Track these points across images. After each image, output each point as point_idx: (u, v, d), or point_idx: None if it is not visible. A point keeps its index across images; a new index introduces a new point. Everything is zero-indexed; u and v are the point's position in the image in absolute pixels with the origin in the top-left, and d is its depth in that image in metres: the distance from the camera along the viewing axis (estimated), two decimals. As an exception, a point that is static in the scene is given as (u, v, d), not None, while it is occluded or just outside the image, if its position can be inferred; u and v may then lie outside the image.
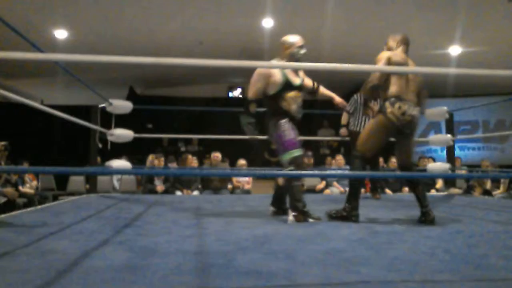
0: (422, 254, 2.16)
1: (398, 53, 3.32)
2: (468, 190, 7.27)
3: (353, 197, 3.30)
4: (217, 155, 7.35)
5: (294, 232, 2.80)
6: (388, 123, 3.21)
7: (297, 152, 3.30)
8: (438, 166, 5.98)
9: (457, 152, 8.76)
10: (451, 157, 6.22)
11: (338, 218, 3.28)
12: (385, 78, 3.26)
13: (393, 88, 3.23)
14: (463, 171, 7.60)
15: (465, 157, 10.94)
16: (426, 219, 3.21)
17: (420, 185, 3.31)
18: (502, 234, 2.82)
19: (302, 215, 3.24)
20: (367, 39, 8.30)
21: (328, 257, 2.07)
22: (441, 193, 6.70)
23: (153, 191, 6.76)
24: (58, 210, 3.82)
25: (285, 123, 3.36)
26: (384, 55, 3.30)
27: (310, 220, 3.26)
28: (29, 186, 6.90)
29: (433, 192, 7.08)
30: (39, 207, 4.21)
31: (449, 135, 5.85)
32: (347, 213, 3.26)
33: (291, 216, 3.24)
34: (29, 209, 4.03)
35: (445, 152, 6.67)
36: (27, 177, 6.97)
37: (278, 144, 3.38)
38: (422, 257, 2.11)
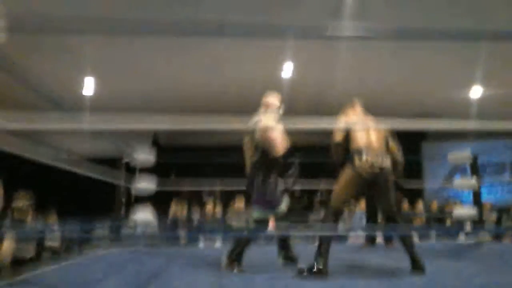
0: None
1: (350, 115, 3.64)
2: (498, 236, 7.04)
3: (320, 252, 3.22)
4: (239, 205, 7.34)
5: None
6: (357, 176, 3.26)
7: None
8: (465, 211, 5.84)
9: (487, 196, 8.56)
10: (477, 201, 6.09)
11: (308, 274, 3.19)
12: (346, 134, 3.45)
13: (358, 141, 3.35)
14: (493, 216, 7.38)
15: (495, 199, 10.63)
16: (414, 267, 3.21)
17: (408, 236, 3.36)
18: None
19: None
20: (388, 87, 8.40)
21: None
22: (469, 241, 6.50)
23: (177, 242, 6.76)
24: (80, 267, 3.85)
25: None
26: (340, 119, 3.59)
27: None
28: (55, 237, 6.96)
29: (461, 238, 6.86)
30: (63, 264, 4.24)
31: (473, 178, 5.74)
32: (317, 269, 3.17)
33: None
34: (52, 267, 4.06)
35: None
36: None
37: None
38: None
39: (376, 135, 3.43)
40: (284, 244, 3.73)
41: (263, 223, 3.57)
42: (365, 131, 3.41)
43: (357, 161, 3.26)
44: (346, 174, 3.33)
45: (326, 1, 6.32)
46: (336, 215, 3.33)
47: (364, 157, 3.25)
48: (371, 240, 5.88)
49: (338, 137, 3.46)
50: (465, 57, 7.32)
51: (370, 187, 3.37)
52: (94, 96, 8.88)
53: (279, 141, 3.66)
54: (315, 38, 6.71)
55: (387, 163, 3.35)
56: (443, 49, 7.20)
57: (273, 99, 3.88)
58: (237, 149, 3.97)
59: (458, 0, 6.19)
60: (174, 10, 6.53)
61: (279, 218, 3.64)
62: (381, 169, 3.29)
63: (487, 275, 3.24)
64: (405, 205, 7.52)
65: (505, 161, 11.73)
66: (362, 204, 6.80)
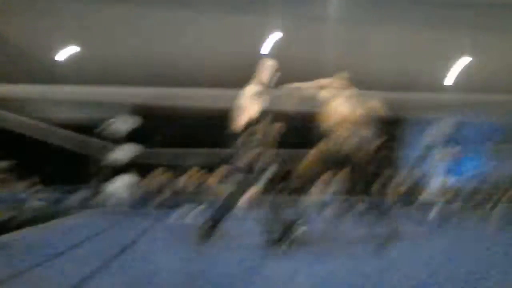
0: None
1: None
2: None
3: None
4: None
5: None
6: (327, 152, 3.35)
7: None
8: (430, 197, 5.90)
9: (468, 166, 8.77)
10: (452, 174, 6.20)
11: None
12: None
13: (330, 119, 3.41)
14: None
15: (477, 170, 10.80)
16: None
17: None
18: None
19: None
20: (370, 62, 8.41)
21: None
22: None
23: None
24: (60, 230, 3.87)
25: None
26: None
27: None
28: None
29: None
30: (41, 226, 4.26)
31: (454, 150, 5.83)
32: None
33: None
34: (32, 228, 4.08)
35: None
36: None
37: None
38: None
39: (353, 110, 3.42)
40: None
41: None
42: (341, 105, 3.38)
43: (329, 140, 3.31)
44: (317, 149, 3.39)
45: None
46: (302, 184, 3.39)
47: (336, 137, 3.30)
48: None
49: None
50: (451, 28, 7.30)
51: (342, 162, 3.41)
52: (71, 63, 8.73)
53: None
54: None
55: (353, 145, 3.36)
56: (429, 21, 7.18)
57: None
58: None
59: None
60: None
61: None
62: (350, 151, 3.33)
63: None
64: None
65: (485, 133, 11.86)
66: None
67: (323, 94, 3.49)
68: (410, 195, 7.28)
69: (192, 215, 6.36)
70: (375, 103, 3.52)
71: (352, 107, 3.43)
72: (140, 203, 7.48)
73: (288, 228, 3.28)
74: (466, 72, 9.04)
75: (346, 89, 3.55)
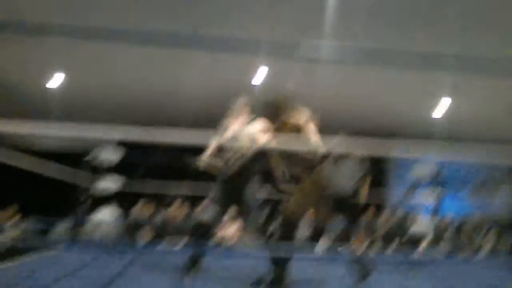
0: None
1: None
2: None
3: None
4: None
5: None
6: (318, 187, 3.33)
7: None
8: (421, 228, 5.98)
9: (448, 207, 8.84)
10: (435, 213, 6.27)
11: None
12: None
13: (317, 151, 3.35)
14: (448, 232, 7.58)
15: (458, 212, 10.91)
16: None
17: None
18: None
19: None
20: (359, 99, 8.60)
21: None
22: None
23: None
24: (34, 266, 3.77)
25: None
26: None
27: None
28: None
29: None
30: (18, 262, 4.14)
31: (434, 191, 5.90)
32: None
33: None
34: (4, 265, 3.95)
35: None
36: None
37: None
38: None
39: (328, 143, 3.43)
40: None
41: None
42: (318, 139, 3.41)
43: (318, 174, 3.31)
44: (305, 185, 3.35)
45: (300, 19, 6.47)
46: (294, 224, 3.37)
47: (325, 170, 3.32)
48: None
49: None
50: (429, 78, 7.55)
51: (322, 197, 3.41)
52: (61, 92, 8.73)
53: None
54: (286, 55, 6.84)
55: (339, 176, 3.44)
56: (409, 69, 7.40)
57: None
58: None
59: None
60: (154, 20, 6.57)
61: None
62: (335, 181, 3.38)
63: None
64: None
65: (467, 175, 12.07)
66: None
67: (304, 130, 3.44)
68: (397, 232, 7.29)
69: (176, 247, 6.28)
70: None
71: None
72: (125, 234, 7.35)
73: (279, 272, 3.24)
74: (448, 113, 9.24)
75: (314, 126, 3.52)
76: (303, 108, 3.51)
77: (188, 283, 3.25)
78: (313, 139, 3.31)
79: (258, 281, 3.31)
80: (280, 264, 3.24)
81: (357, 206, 4.88)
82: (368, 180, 5.13)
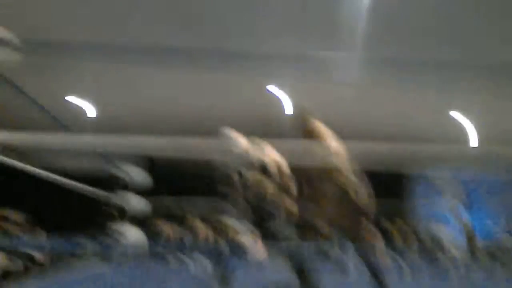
0: None
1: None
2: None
3: None
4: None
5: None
6: (349, 202, 3.31)
7: None
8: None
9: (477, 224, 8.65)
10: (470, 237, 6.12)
11: None
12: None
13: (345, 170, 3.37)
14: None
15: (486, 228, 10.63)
16: None
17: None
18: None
19: None
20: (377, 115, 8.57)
21: None
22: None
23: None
24: (72, 282, 3.84)
25: None
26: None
27: None
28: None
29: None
30: (48, 279, 4.22)
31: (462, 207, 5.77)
32: None
33: None
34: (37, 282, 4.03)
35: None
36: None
37: None
38: None
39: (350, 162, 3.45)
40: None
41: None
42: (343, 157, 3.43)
43: (351, 190, 3.33)
44: (337, 203, 3.37)
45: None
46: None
47: (357, 187, 3.34)
48: None
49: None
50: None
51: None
52: (94, 119, 8.93)
53: None
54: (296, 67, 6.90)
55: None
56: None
57: None
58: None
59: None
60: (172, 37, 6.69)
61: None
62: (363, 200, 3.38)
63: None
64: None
65: (495, 191, 11.77)
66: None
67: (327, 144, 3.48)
68: (428, 250, 7.16)
69: (204, 265, 6.30)
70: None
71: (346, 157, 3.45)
72: (153, 253, 7.42)
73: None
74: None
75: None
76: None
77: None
78: (333, 146, 3.37)
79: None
80: (305, 274, 3.24)
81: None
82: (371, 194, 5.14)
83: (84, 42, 6.37)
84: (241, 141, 3.70)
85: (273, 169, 3.52)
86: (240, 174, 3.65)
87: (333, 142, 3.43)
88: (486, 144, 8.89)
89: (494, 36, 6.53)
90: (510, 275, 6.48)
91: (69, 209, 10.87)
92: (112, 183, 5.63)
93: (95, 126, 8.74)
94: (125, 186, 5.38)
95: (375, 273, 3.40)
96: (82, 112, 8.86)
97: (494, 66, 6.35)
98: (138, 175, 5.38)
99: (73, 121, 8.95)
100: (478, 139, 9.13)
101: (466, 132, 9.27)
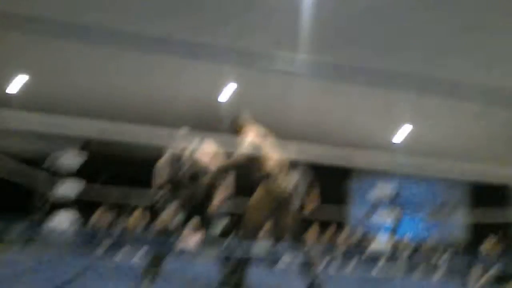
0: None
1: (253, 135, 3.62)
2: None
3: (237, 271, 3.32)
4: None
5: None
6: (271, 197, 3.36)
7: None
8: (379, 246, 6.12)
9: (405, 228, 9.03)
10: (393, 234, 6.42)
11: None
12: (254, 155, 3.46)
13: (270, 163, 3.42)
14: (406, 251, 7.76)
15: (414, 233, 11.18)
16: None
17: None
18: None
19: None
20: (325, 119, 8.78)
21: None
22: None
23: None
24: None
25: None
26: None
27: None
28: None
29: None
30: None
31: (393, 212, 6.06)
32: None
33: None
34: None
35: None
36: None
37: None
38: None
39: (281, 156, 3.52)
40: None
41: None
42: (273, 152, 3.49)
43: (271, 184, 3.35)
44: (260, 195, 3.38)
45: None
46: (252, 234, 3.39)
47: (279, 180, 3.35)
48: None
49: (240, 158, 3.46)
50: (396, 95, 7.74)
51: (278, 208, 3.46)
52: (23, 95, 8.49)
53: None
54: (257, 66, 6.91)
55: (293, 186, 3.46)
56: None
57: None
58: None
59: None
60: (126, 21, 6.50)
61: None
62: (290, 192, 3.42)
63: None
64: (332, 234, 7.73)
65: (423, 198, 12.43)
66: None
67: (254, 140, 3.57)
68: (358, 247, 7.40)
69: (136, 255, 6.16)
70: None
71: (280, 153, 3.54)
72: (83, 240, 7.16)
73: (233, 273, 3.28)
74: (409, 137, 9.49)
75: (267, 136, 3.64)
76: (260, 127, 3.69)
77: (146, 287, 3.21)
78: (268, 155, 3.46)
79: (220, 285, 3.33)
80: (238, 270, 3.25)
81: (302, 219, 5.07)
82: (314, 191, 5.26)
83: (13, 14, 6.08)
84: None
85: (211, 162, 3.53)
86: (178, 165, 3.68)
87: (259, 140, 3.53)
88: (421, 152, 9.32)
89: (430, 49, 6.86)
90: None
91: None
92: (43, 165, 5.35)
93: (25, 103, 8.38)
94: (57, 169, 5.14)
95: (305, 264, 3.49)
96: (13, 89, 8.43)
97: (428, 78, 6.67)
98: (71, 158, 5.16)
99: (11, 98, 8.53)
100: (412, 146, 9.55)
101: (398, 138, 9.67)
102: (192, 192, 3.64)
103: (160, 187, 3.75)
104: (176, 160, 3.70)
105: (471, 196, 12.26)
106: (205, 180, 3.59)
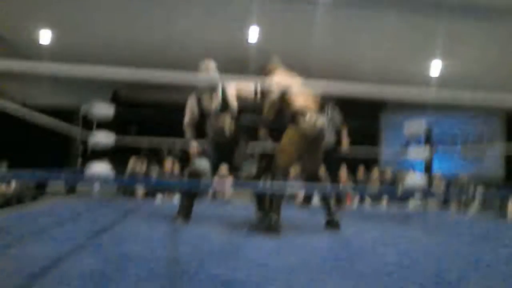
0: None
1: (280, 75, 3.63)
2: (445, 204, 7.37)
3: (273, 208, 3.33)
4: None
5: (265, 243, 2.84)
6: (302, 135, 3.33)
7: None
8: (415, 180, 6.06)
9: (438, 166, 8.92)
10: (428, 171, 6.34)
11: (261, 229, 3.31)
12: (283, 95, 3.44)
13: (299, 102, 3.38)
14: (442, 185, 7.70)
15: (446, 170, 11.09)
16: (330, 225, 3.52)
17: (328, 197, 3.59)
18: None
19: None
20: (353, 55, 8.52)
21: (297, 267, 2.12)
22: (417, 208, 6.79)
23: (133, 195, 6.73)
24: (34, 213, 3.80)
25: None
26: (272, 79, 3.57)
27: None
28: (6, 186, 6.79)
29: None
30: (14, 208, 4.18)
31: (426, 149, 5.95)
32: (269, 225, 3.27)
33: None
34: (4, 209, 4.01)
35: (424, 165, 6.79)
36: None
37: None
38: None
39: (311, 96, 3.50)
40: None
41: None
42: (301, 92, 3.43)
43: (301, 122, 3.31)
44: (290, 134, 3.37)
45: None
46: (284, 174, 3.39)
47: (308, 118, 3.31)
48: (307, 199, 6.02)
49: (273, 97, 3.46)
50: (427, 30, 7.42)
51: (309, 146, 3.44)
52: (51, 46, 8.56)
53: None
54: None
55: (323, 123, 3.42)
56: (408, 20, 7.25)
57: None
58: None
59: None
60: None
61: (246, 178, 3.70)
62: (320, 129, 3.39)
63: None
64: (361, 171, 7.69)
65: (457, 133, 12.22)
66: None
67: (283, 81, 3.54)
68: (392, 184, 7.39)
69: (172, 201, 6.35)
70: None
71: (308, 93, 3.48)
72: (121, 189, 7.40)
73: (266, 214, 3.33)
74: (444, 69, 9.15)
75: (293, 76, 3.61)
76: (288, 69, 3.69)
77: (180, 228, 3.31)
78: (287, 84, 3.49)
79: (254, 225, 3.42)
80: (271, 210, 3.30)
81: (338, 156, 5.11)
82: (345, 129, 5.23)
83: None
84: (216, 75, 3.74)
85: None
86: (208, 111, 3.67)
87: (289, 79, 3.55)
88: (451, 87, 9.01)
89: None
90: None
91: (33, 143, 10.67)
92: (77, 116, 5.45)
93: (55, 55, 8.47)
94: (91, 120, 5.22)
95: (325, 200, 3.57)
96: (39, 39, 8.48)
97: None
98: (104, 109, 5.22)
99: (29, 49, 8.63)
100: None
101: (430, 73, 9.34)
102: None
103: (189, 125, 3.85)
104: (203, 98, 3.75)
105: (508, 130, 11.99)
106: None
